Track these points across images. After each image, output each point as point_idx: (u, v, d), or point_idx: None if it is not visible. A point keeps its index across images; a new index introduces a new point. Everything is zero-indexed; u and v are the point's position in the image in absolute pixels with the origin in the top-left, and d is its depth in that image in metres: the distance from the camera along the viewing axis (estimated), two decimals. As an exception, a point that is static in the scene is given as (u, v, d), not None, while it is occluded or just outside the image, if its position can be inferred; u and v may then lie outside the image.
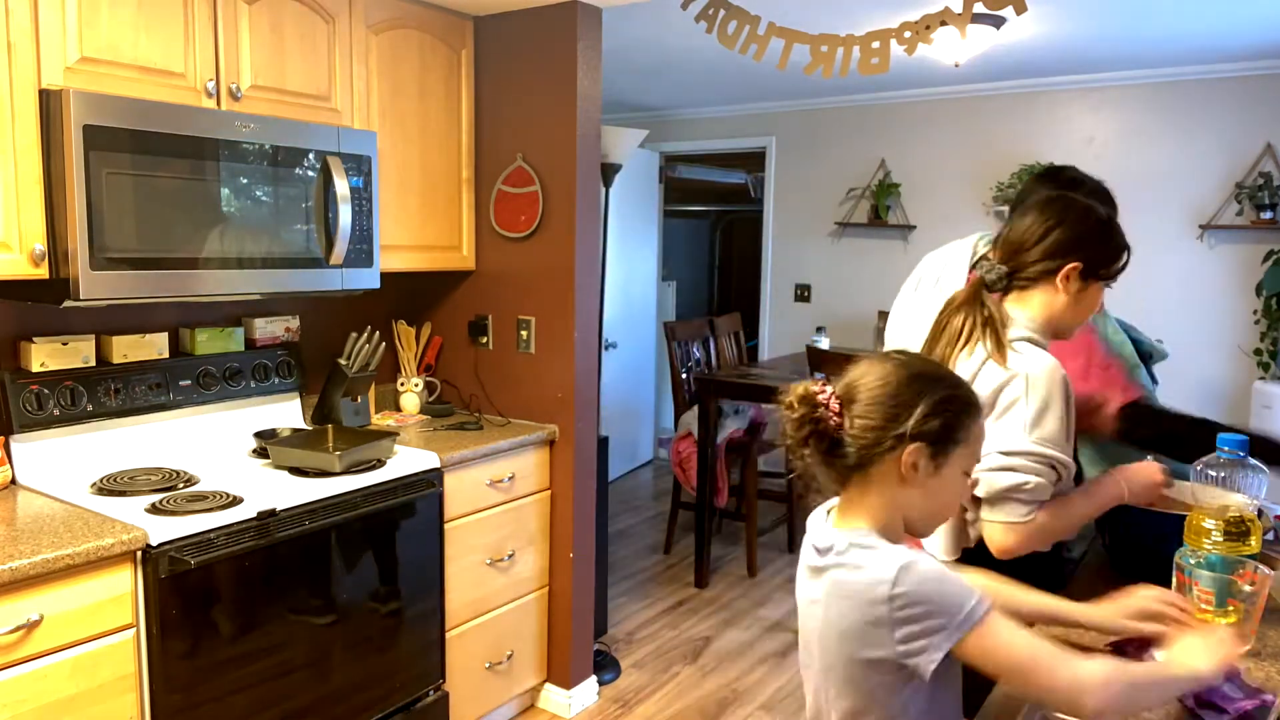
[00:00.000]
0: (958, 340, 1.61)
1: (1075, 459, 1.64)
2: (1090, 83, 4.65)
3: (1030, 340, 1.58)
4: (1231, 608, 1.40)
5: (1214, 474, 1.65)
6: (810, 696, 1.28)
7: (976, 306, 1.61)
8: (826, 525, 1.23)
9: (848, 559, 1.15)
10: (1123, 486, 1.59)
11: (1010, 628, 1.10)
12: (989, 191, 4.97)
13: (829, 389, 1.17)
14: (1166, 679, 1.14)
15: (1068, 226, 1.59)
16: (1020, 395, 1.51)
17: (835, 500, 1.24)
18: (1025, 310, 1.62)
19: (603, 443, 3.21)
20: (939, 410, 1.15)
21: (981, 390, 1.50)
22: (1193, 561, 1.45)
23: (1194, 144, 4.43)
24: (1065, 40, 3.89)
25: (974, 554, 1.60)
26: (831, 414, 1.15)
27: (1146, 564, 1.69)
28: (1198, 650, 1.16)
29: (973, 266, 2.21)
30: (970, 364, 1.57)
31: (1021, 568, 1.53)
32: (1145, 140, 4.56)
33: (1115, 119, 4.64)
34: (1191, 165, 4.44)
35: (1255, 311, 4.30)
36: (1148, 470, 1.62)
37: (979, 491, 1.54)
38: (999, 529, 1.52)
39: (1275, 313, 4.16)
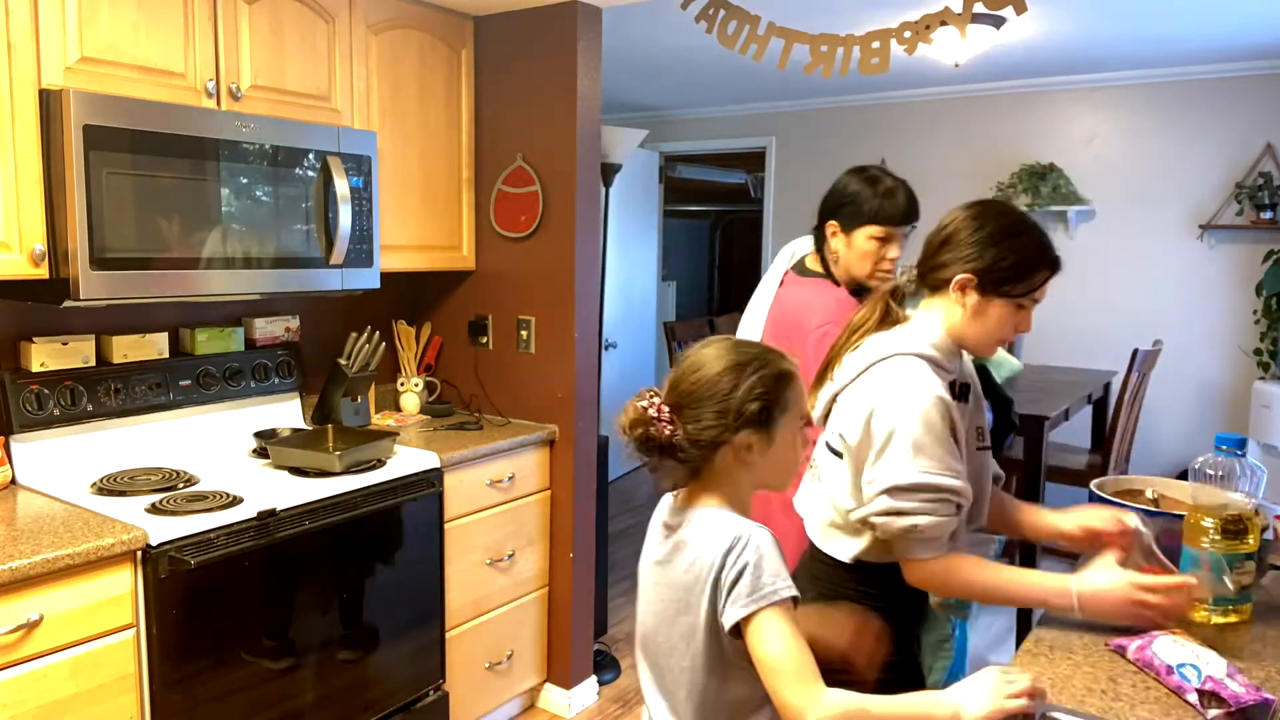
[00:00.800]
0: (855, 332, 1.57)
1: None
2: (1090, 83, 4.65)
3: (921, 356, 1.47)
4: (1230, 608, 1.40)
5: (1211, 472, 1.66)
6: (648, 673, 1.33)
7: (876, 306, 1.56)
8: (675, 505, 1.30)
9: (694, 531, 1.24)
10: (1073, 598, 1.41)
11: (786, 631, 1.14)
12: (989, 191, 4.96)
13: (657, 399, 1.23)
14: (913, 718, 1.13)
15: (973, 228, 1.49)
16: (893, 426, 1.41)
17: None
18: (928, 323, 1.53)
19: (603, 443, 3.21)
20: (755, 394, 1.21)
21: (858, 414, 1.47)
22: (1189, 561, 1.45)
23: (1194, 144, 4.43)
24: (1065, 40, 3.89)
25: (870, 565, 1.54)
26: (664, 424, 1.21)
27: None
28: (980, 690, 1.13)
29: (794, 268, 2.22)
30: (857, 385, 1.51)
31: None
32: (1145, 140, 4.56)
33: (1115, 119, 4.64)
34: (1191, 165, 4.44)
35: (1255, 311, 4.30)
36: (1116, 591, 1.39)
37: (878, 533, 1.46)
38: (905, 565, 1.46)
39: (1275, 313, 4.16)
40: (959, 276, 1.48)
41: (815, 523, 1.63)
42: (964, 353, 1.58)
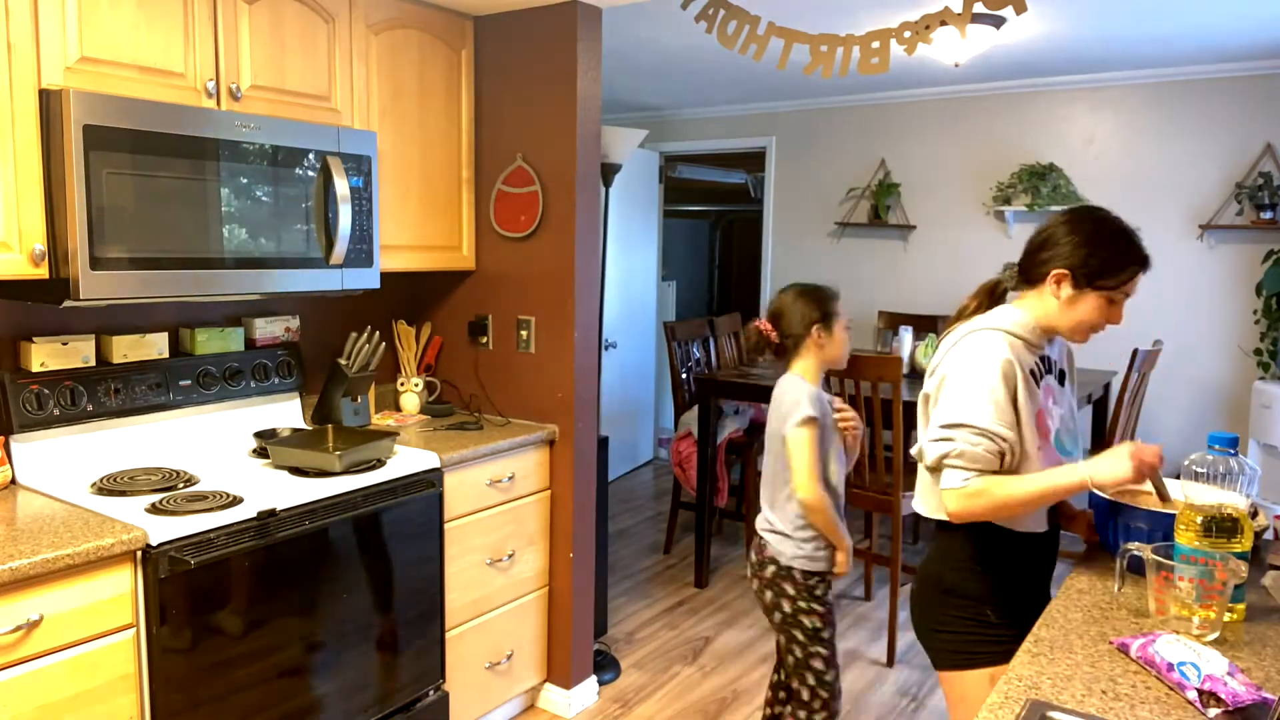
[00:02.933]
0: (958, 318, 1.84)
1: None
2: (1090, 83, 4.65)
3: (1001, 330, 1.70)
4: (1213, 603, 1.40)
5: (1200, 470, 1.66)
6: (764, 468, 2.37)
7: (979, 297, 1.83)
8: (779, 376, 2.36)
9: (782, 387, 2.33)
10: (1082, 473, 1.60)
11: (801, 443, 2.25)
12: (989, 191, 4.97)
13: (764, 321, 2.35)
14: None
15: (1069, 231, 1.69)
16: (950, 372, 1.70)
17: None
18: (1020, 308, 1.75)
19: (603, 443, 3.21)
20: (815, 307, 2.29)
21: (937, 375, 1.76)
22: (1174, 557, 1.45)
23: (1194, 144, 4.43)
24: (1065, 40, 3.89)
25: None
26: (771, 333, 2.34)
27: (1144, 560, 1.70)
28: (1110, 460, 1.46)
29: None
30: (942, 355, 1.79)
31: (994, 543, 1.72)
32: (1145, 140, 4.56)
33: (1115, 119, 4.64)
34: (1191, 165, 4.45)
35: (1255, 311, 4.31)
36: (1111, 457, 1.61)
37: (926, 461, 1.71)
38: (945, 495, 1.67)
39: (1275, 313, 4.16)
40: (1055, 271, 1.68)
41: (920, 499, 1.83)
42: (1066, 344, 1.84)
